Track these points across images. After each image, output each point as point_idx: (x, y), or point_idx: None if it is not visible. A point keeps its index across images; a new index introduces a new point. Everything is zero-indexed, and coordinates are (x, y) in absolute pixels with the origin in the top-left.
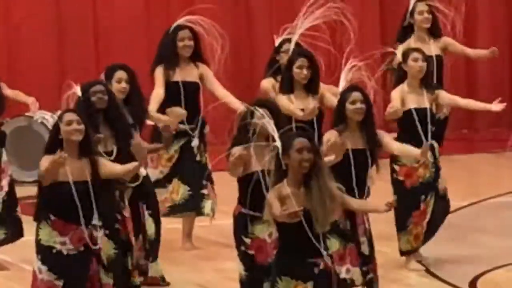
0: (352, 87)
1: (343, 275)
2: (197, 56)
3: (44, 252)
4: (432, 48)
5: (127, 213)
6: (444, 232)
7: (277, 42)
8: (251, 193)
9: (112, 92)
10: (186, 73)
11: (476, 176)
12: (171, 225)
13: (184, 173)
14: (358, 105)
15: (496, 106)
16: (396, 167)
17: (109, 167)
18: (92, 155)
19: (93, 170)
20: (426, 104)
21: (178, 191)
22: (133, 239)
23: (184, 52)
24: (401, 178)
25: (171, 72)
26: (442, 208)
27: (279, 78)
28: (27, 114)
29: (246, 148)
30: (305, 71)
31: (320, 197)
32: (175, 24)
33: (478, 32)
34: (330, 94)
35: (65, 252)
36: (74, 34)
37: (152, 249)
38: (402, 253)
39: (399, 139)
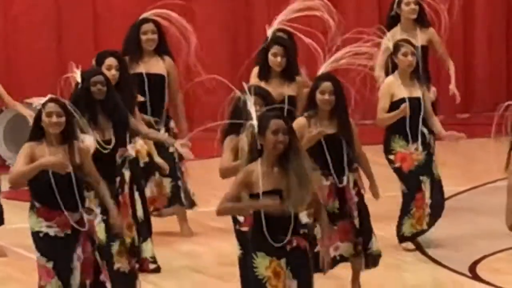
0: (325, 76)
1: (332, 253)
2: (162, 50)
3: (34, 238)
4: (419, 39)
5: (124, 198)
6: (443, 216)
7: (268, 32)
8: None
9: (110, 82)
10: (151, 66)
11: (474, 161)
12: None
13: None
14: (327, 96)
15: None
16: (391, 157)
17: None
18: (72, 142)
19: (71, 157)
20: (419, 94)
21: (163, 185)
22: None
23: (147, 45)
24: (397, 165)
25: (134, 64)
26: (440, 196)
27: None
28: (26, 101)
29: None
30: (279, 59)
31: (297, 178)
32: (140, 17)
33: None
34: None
35: (52, 234)
36: (73, 25)
37: (142, 230)
38: (406, 238)
39: (389, 128)
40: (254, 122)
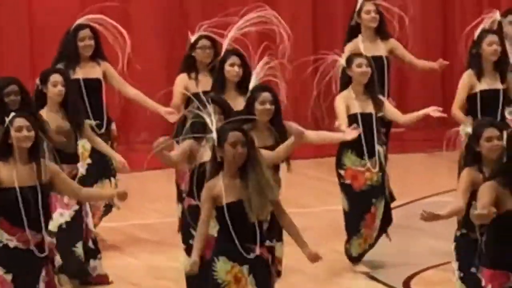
0: (262, 87)
1: None
2: (98, 55)
3: None
4: (382, 48)
5: None
6: None
7: (192, 38)
8: (201, 184)
9: (25, 91)
10: (87, 71)
11: (410, 176)
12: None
13: (103, 171)
14: (267, 106)
15: (434, 112)
16: (341, 172)
17: (73, 185)
18: (39, 159)
19: (39, 175)
20: (371, 109)
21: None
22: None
23: (85, 51)
24: (348, 181)
25: (71, 71)
26: (387, 216)
27: (192, 74)
28: None
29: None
30: (237, 69)
31: (257, 187)
32: (75, 23)
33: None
34: None
35: (11, 245)
36: (10, 34)
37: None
38: (354, 258)
39: (343, 143)
40: (214, 135)
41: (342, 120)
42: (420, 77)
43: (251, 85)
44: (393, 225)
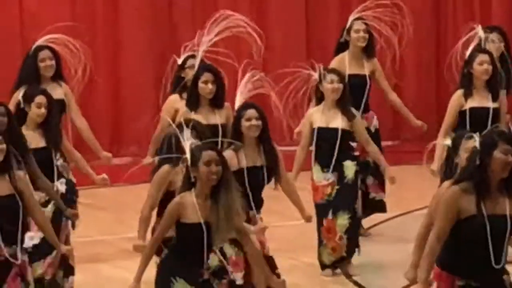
0: (247, 105)
1: (239, 281)
2: (58, 76)
3: None
4: (365, 68)
5: None
6: (372, 242)
7: (180, 60)
8: None
9: (10, 113)
10: (50, 92)
11: (404, 188)
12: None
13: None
14: (254, 121)
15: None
16: (311, 183)
17: (39, 212)
18: (11, 169)
19: (13, 184)
20: (337, 124)
21: None
22: None
23: (46, 72)
24: (312, 193)
25: None
26: (354, 229)
27: (184, 95)
28: None
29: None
30: (210, 86)
31: (227, 212)
32: (34, 45)
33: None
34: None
35: None
36: (1, 49)
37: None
38: (326, 266)
39: (314, 156)
40: (187, 154)
41: (295, 170)
42: (415, 88)
43: (236, 104)
44: (388, 236)
